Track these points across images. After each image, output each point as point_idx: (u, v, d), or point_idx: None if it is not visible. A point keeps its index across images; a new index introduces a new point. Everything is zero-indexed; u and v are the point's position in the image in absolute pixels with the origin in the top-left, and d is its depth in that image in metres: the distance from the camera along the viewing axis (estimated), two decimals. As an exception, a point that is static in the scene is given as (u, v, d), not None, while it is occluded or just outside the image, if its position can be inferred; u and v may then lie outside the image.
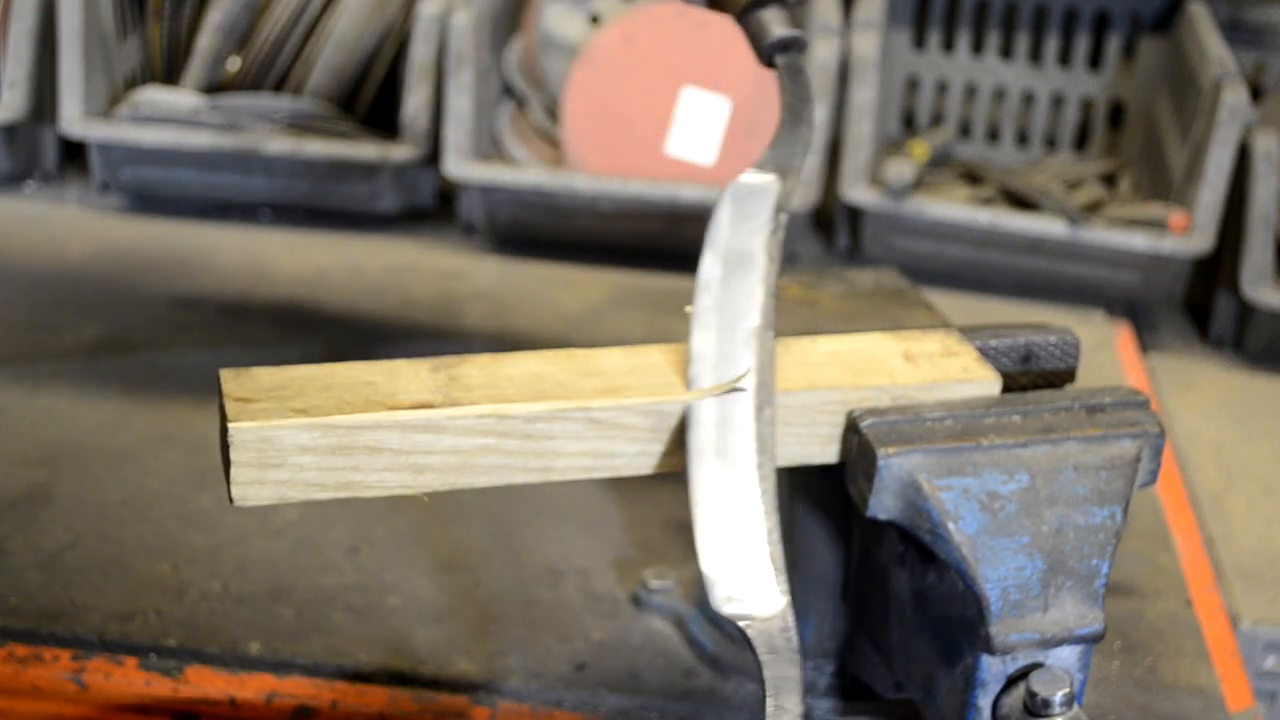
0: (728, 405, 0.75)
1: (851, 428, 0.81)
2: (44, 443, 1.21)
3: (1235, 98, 1.51)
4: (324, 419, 0.74)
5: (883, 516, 0.80)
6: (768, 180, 0.81)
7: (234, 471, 0.74)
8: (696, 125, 1.61)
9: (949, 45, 1.80)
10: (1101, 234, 1.55)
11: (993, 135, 1.82)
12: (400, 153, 1.61)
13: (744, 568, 0.71)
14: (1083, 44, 1.78)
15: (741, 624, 0.71)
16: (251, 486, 0.75)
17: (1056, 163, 1.77)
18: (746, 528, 0.72)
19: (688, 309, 0.77)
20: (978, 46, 1.80)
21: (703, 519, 0.72)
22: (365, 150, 1.61)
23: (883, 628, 0.90)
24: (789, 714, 0.69)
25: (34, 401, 1.27)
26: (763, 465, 0.73)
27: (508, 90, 1.71)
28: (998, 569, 0.78)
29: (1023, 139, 1.82)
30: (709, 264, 0.78)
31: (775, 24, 0.89)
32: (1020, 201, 1.65)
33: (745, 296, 0.77)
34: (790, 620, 0.71)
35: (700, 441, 0.74)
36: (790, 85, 0.87)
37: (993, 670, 0.80)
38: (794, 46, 0.89)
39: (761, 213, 0.79)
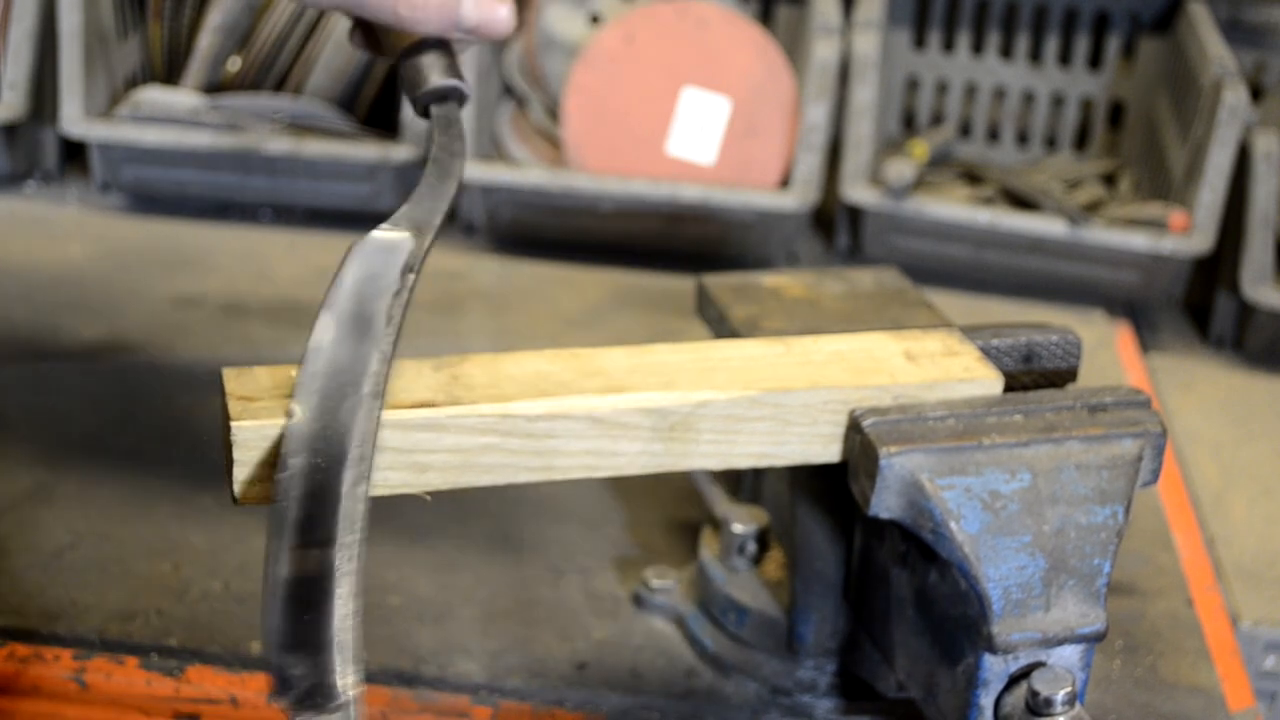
0: (319, 478, 0.67)
1: (854, 427, 0.81)
2: (44, 443, 1.21)
3: (1235, 98, 1.51)
4: (326, 418, 0.74)
5: (885, 516, 0.80)
6: (401, 238, 0.76)
7: (236, 470, 0.74)
8: (696, 125, 1.62)
9: (949, 45, 1.80)
10: (1101, 234, 1.55)
11: (993, 135, 1.82)
12: (400, 153, 1.61)
13: (312, 658, 0.64)
14: (1083, 44, 1.78)
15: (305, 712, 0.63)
16: (253, 485, 0.75)
17: (1056, 163, 1.77)
18: (320, 614, 0.65)
19: (292, 372, 0.71)
20: (978, 46, 1.80)
21: (273, 604, 0.65)
22: (365, 150, 1.61)
23: (884, 627, 0.90)
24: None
25: (34, 401, 1.27)
26: (349, 546, 0.66)
27: (508, 90, 1.71)
28: (999, 568, 0.78)
29: (1023, 139, 1.82)
30: (322, 326, 0.72)
31: (434, 72, 0.85)
32: (1020, 201, 1.65)
33: (357, 363, 0.71)
34: (349, 716, 0.64)
35: (280, 519, 0.66)
36: (441, 138, 0.83)
37: (995, 669, 0.80)
38: (451, 96, 0.85)
39: (389, 273, 0.75)
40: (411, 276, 0.75)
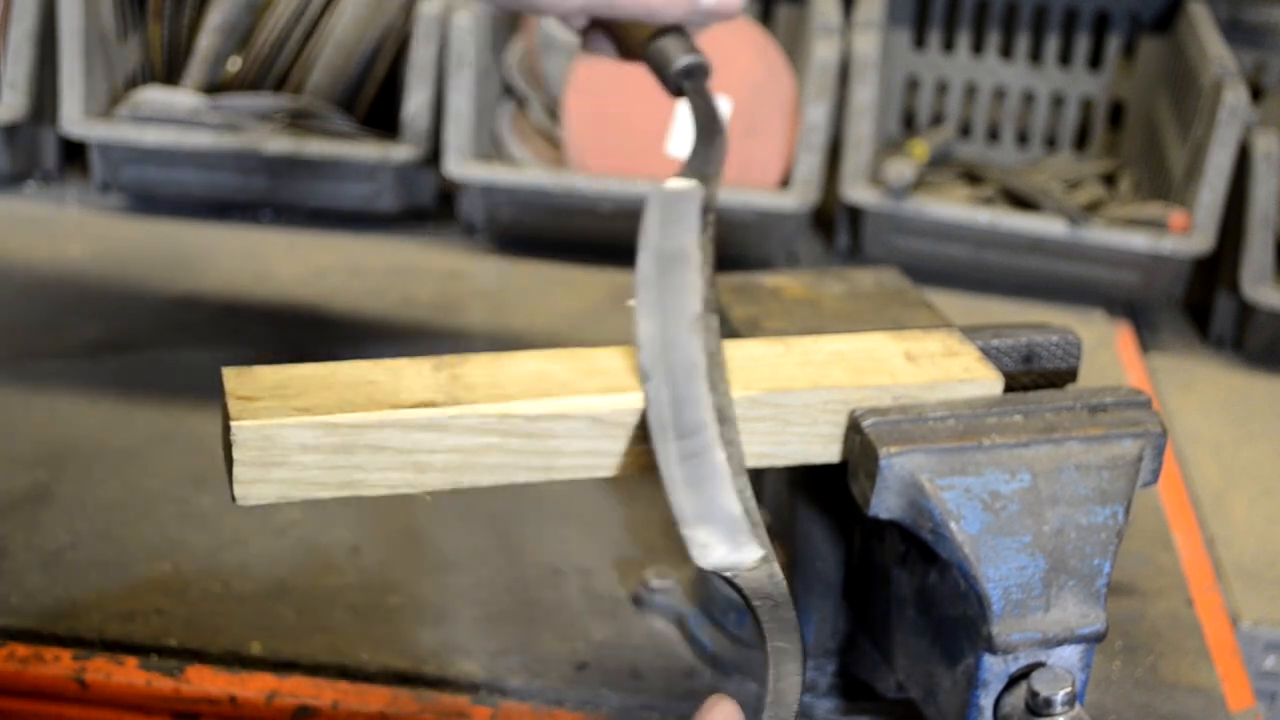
0: (682, 384, 0.77)
1: (853, 427, 0.81)
2: (44, 443, 1.21)
3: (1235, 98, 1.51)
4: (326, 418, 0.74)
5: (884, 516, 0.80)
6: (691, 185, 0.84)
7: (236, 470, 0.74)
8: (696, 125, 1.61)
9: (949, 45, 1.81)
10: (1101, 234, 1.55)
11: (993, 135, 1.82)
12: (400, 153, 1.61)
13: (720, 528, 0.75)
14: (1083, 44, 1.78)
15: (728, 574, 0.74)
16: (253, 485, 0.75)
17: (1056, 163, 1.77)
18: (716, 491, 0.75)
19: (629, 303, 0.80)
20: (978, 46, 1.80)
21: (674, 492, 0.75)
22: (365, 150, 1.61)
23: (884, 627, 0.91)
24: (789, 654, 0.72)
25: (34, 401, 1.27)
26: (725, 433, 0.76)
27: (508, 90, 1.71)
28: (999, 568, 0.78)
29: (1023, 139, 1.82)
30: (644, 262, 0.81)
31: (678, 52, 0.93)
32: (1020, 201, 1.65)
33: (684, 288, 0.80)
34: (774, 568, 0.74)
35: (659, 419, 0.76)
36: (699, 107, 0.91)
37: (994, 669, 0.80)
38: (698, 71, 0.93)
39: (689, 214, 0.83)
40: (711, 215, 0.83)
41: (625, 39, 0.98)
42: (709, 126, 0.91)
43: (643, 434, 0.79)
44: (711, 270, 0.81)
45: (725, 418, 0.77)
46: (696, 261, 0.81)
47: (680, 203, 0.83)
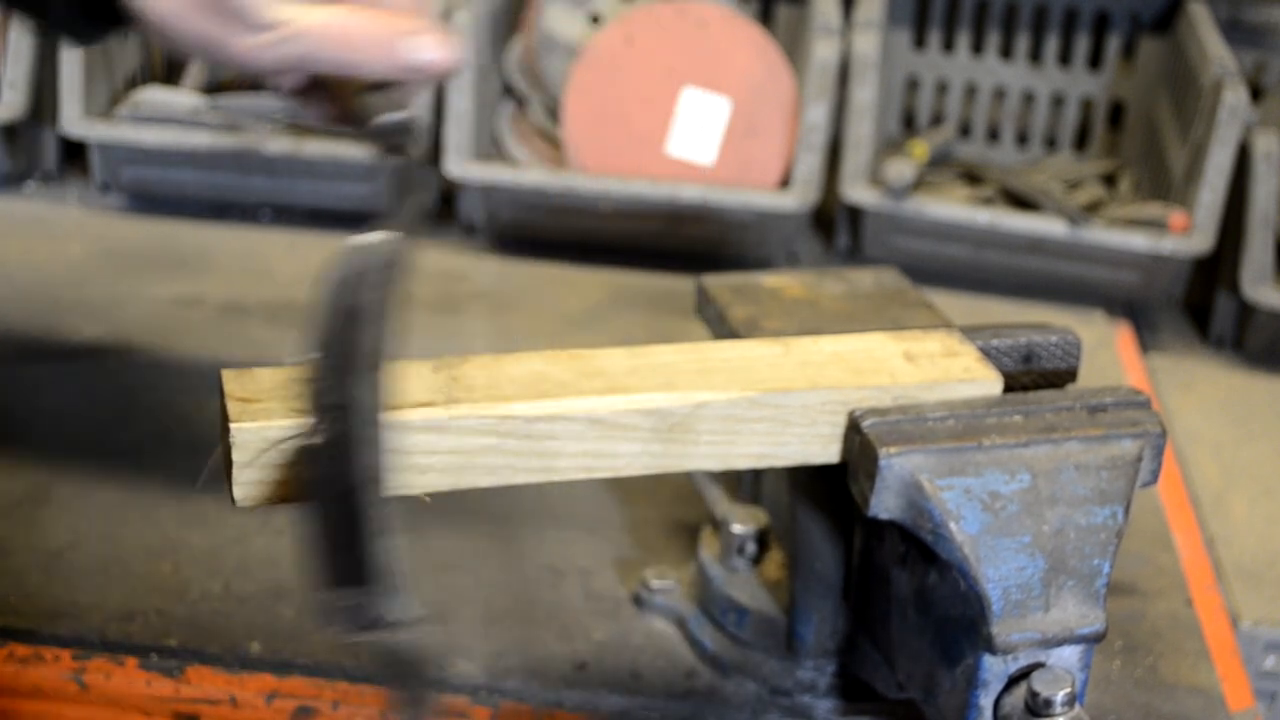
0: (351, 442, 0.73)
1: (853, 427, 0.81)
2: (44, 443, 1.21)
3: (1235, 98, 1.51)
4: (325, 419, 0.74)
5: (884, 516, 0.80)
6: (378, 238, 0.81)
7: (235, 471, 0.74)
8: (696, 125, 1.62)
9: (949, 45, 1.81)
10: (1101, 234, 1.55)
11: (993, 135, 1.82)
12: (400, 153, 1.60)
13: (374, 587, 0.72)
14: (1083, 44, 1.78)
15: (368, 636, 0.72)
16: (253, 486, 0.75)
17: (1056, 163, 1.77)
18: (369, 550, 0.72)
19: (305, 356, 0.76)
20: (978, 46, 1.80)
21: (322, 551, 0.72)
22: (365, 150, 1.61)
23: (884, 627, 0.91)
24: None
25: (34, 401, 1.27)
26: (381, 494, 0.73)
27: (508, 90, 1.71)
28: (999, 569, 0.78)
29: (1023, 139, 1.82)
30: (324, 316, 0.76)
31: (381, 108, 0.89)
32: (1020, 201, 1.65)
33: (363, 343, 0.76)
34: (415, 636, 0.72)
35: (324, 475, 0.73)
36: (399, 165, 0.88)
37: (994, 670, 0.80)
38: (396, 131, 0.89)
39: (375, 269, 0.79)
40: (396, 270, 0.80)
41: (338, 97, 0.93)
42: (407, 184, 0.87)
43: (643, 434, 0.79)
44: (393, 325, 0.78)
45: (383, 478, 0.73)
46: (381, 320, 0.77)
47: (366, 258, 0.79)
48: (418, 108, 0.90)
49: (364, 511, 0.71)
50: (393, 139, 0.88)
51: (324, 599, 0.71)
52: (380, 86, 0.89)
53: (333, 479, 0.72)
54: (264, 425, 0.74)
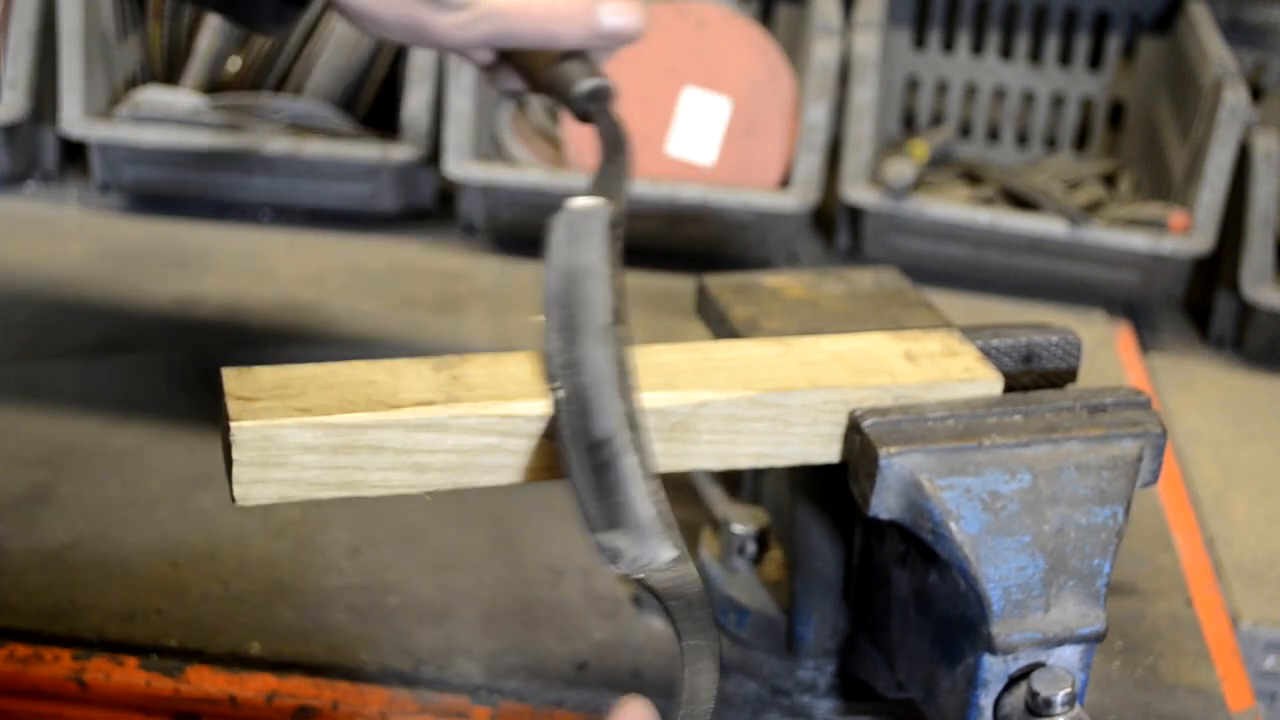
0: (591, 394, 0.77)
1: (853, 427, 0.81)
2: (44, 443, 1.21)
3: (1235, 98, 1.51)
4: (326, 418, 0.74)
5: (884, 516, 0.80)
6: (597, 203, 0.84)
7: (236, 471, 0.74)
8: (696, 125, 1.62)
9: (949, 45, 1.81)
10: (1101, 234, 1.55)
11: (993, 135, 1.82)
12: (400, 153, 1.61)
13: (631, 532, 0.75)
14: (1083, 44, 1.78)
15: (639, 576, 0.75)
16: (253, 486, 0.75)
17: (1056, 163, 1.77)
18: (627, 496, 0.76)
19: (536, 319, 0.80)
20: (978, 46, 1.80)
21: (584, 501, 0.75)
22: (365, 150, 1.61)
23: (884, 627, 0.91)
24: (704, 651, 0.73)
25: (34, 401, 1.27)
26: (635, 439, 0.76)
27: (508, 90, 1.71)
28: (999, 568, 0.78)
29: (1023, 139, 1.82)
30: (551, 279, 0.81)
31: (581, 76, 0.92)
32: (1020, 201, 1.65)
33: (591, 302, 0.80)
34: (689, 567, 0.75)
35: (568, 428, 0.77)
36: (605, 129, 0.91)
37: (994, 670, 0.80)
38: (601, 95, 0.92)
39: (595, 232, 0.83)
40: (619, 230, 0.83)
41: (530, 69, 0.96)
42: (615, 146, 0.90)
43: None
44: (621, 284, 0.82)
45: (635, 424, 0.77)
46: (604, 276, 0.81)
47: (586, 220, 0.83)
48: (609, 74, 0.94)
49: (615, 461, 0.75)
50: (590, 105, 0.91)
51: (595, 543, 0.75)
52: (570, 56, 0.92)
53: (579, 433, 0.76)
54: (264, 424, 0.74)
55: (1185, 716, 0.99)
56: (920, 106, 1.82)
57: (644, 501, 0.75)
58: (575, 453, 0.76)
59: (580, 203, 0.84)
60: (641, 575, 0.75)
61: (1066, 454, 0.80)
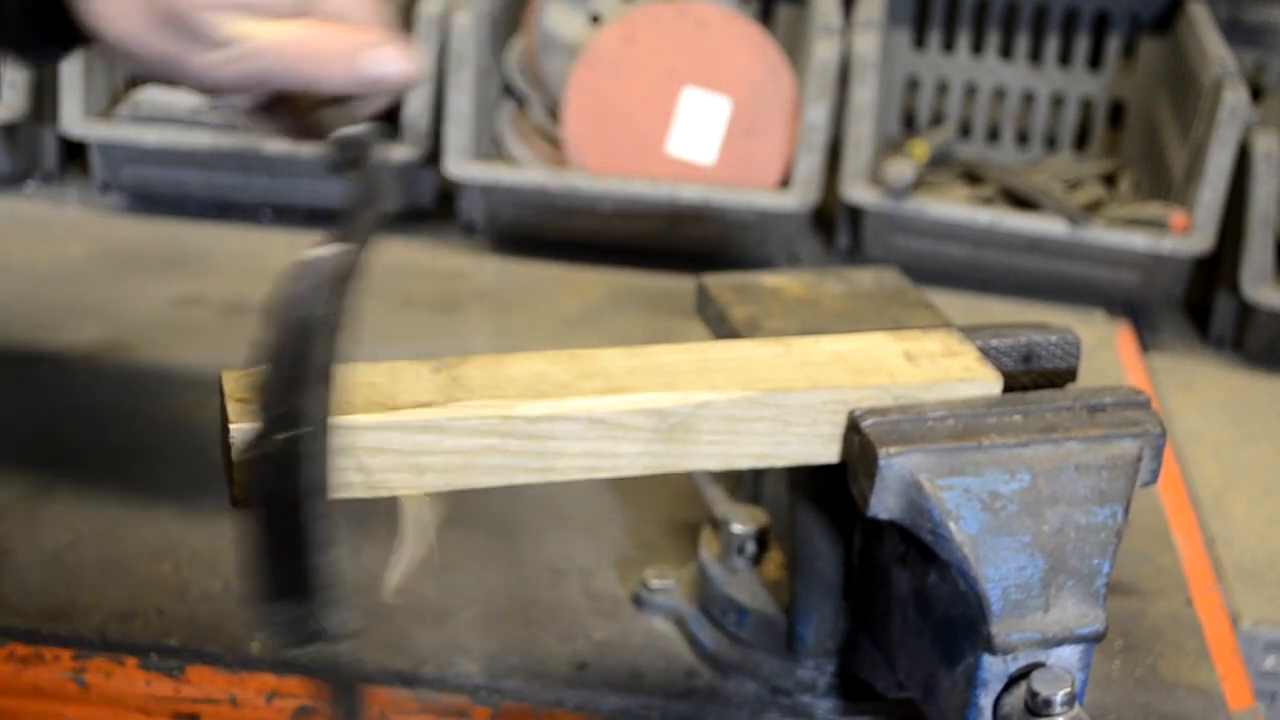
0: (292, 447, 0.72)
1: (853, 427, 0.81)
2: (44, 443, 1.21)
3: (1235, 98, 1.51)
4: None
5: (884, 516, 0.80)
6: (328, 251, 0.79)
7: (235, 471, 0.74)
8: (696, 125, 1.62)
9: (949, 45, 1.81)
10: (1101, 234, 1.55)
11: (993, 135, 1.82)
12: (400, 153, 1.61)
13: (307, 602, 0.72)
14: (1083, 44, 1.78)
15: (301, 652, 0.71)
16: (253, 486, 0.75)
17: (1056, 163, 1.77)
18: (309, 563, 0.72)
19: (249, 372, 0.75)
20: (978, 46, 1.80)
21: (262, 562, 0.72)
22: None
23: (884, 627, 0.91)
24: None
25: (34, 401, 1.27)
26: (327, 505, 0.72)
27: (508, 90, 1.71)
28: (999, 568, 0.78)
29: (1023, 139, 1.82)
30: (274, 330, 0.75)
31: (339, 123, 0.87)
32: (1020, 201, 1.65)
33: (316, 355, 0.75)
34: (350, 645, 0.72)
35: (261, 486, 0.73)
36: (358, 178, 0.86)
37: (994, 670, 0.80)
38: (355, 145, 0.87)
39: (326, 280, 0.77)
40: (352, 282, 0.77)
41: (296, 111, 0.92)
42: (365, 200, 0.85)
43: (644, 434, 0.79)
44: (336, 340, 0.76)
45: (330, 488, 0.72)
46: (335, 332, 0.75)
47: (317, 269, 0.78)
48: (374, 121, 0.89)
49: (308, 523, 0.71)
50: (352, 152, 0.86)
51: (264, 610, 0.71)
52: (339, 100, 0.88)
53: (278, 490, 0.71)
54: (264, 425, 0.74)
55: (1185, 716, 0.99)
56: (920, 106, 1.82)
57: (331, 569, 0.71)
58: (267, 510, 0.71)
59: (313, 253, 0.78)
60: (311, 647, 0.71)
61: (1066, 454, 0.80)
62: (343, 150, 0.86)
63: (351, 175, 0.86)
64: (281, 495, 0.71)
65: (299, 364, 0.73)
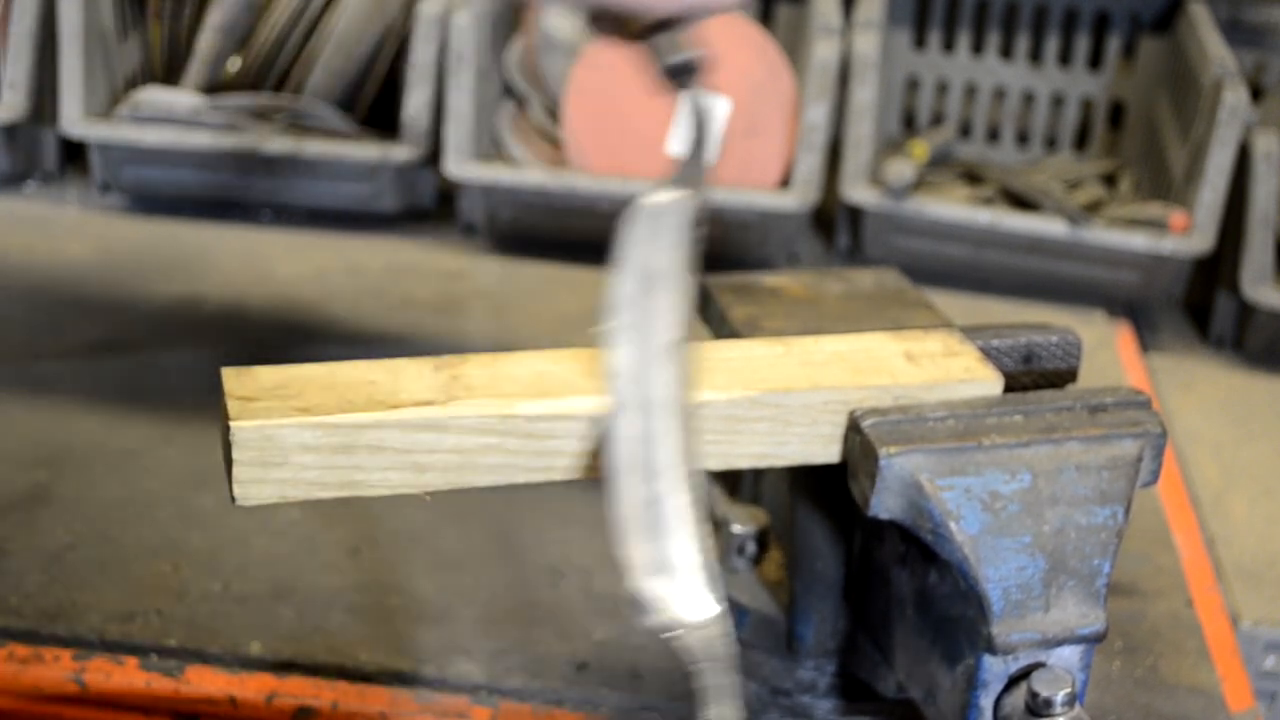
0: (649, 419, 0.73)
1: (853, 427, 0.81)
2: (44, 443, 1.21)
3: (1235, 98, 1.51)
4: (326, 418, 0.74)
5: (884, 516, 0.80)
6: (679, 196, 0.80)
7: (236, 470, 0.74)
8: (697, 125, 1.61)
9: (949, 45, 1.80)
10: (1101, 234, 1.55)
11: (993, 135, 1.82)
12: (400, 153, 1.61)
13: (676, 581, 0.71)
14: (1083, 44, 1.78)
15: (672, 634, 0.70)
16: (253, 485, 0.75)
17: (1056, 163, 1.77)
18: (676, 540, 0.71)
19: (597, 329, 0.76)
20: (978, 46, 1.80)
21: (629, 536, 0.71)
22: (365, 150, 1.61)
23: (884, 627, 0.90)
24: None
25: (34, 401, 1.27)
26: (690, 476, 0.72)
27: (508, 90, 1.71)
28: (999, 569, 0.78)
29: (1023, 139, 1.82)
30: (624, 282, 0.77)
31: (669, 49, 0.91)
32: (1020, 201, 1.65)
33: (664, 312, 0.76)
34: (727, 625, 0.70)
35: (622, 457, 0.72)
36: (689, 107, 0.89)
37: (994, 670, 0.80)
38: (686, 70, 0.91)
39: (675, 229, 0.79)
40: (699, 229, 0.79)
41: (626, 26, 0.95)
42: (698, 127, 0.89)
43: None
44: (692, 292, 0.78)
45: (691, 459, 0.72)
46: (680, 283, 0.77)
47: (666, 217, 0.79)
48: (703, 45, 0.92)
49: (666, 499, 0.71)
50: (681, 77, 0.90)
51: (631, 590, 0.71)
52: (665, 25, 0.91)
53: (635, 461, 0.71)
54: (264, 424, 0.74)
55: (1185, 716, 0.99)
56: (920, 106, 1.82)
57: (693, 549, 0.70)
58: (626, 485, 0.71)
59: (658, 198, 0.79)
60: (679, 632, 0.69)
61: (1066, 454, 0.80)
62: (671, 76, 0.90)
63: (682, 102, 0.88)
64: (640, 470, 0.71)
65: (648, 321, 0.74)
